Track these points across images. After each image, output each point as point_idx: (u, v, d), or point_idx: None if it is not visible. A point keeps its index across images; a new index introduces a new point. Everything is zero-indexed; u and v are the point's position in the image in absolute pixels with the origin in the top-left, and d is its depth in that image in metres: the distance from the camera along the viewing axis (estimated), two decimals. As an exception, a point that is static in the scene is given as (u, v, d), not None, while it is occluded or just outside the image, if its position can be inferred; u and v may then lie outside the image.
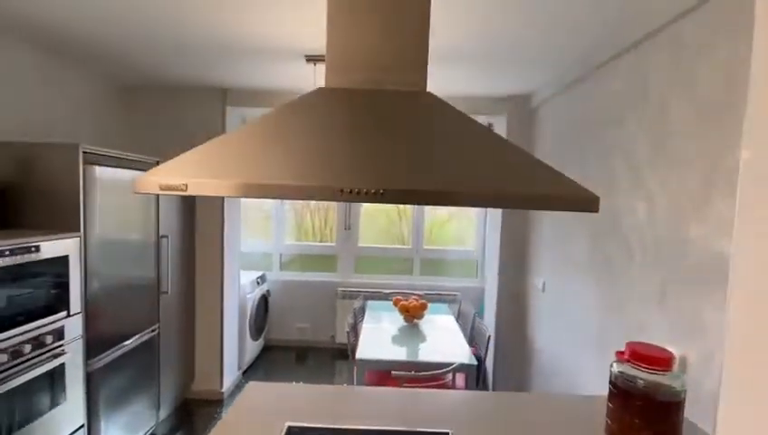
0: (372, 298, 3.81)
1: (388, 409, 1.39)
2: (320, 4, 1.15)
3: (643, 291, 1.65)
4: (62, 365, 1.83)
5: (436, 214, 4.54)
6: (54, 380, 1.80)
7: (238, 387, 3.45)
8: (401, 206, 4.55)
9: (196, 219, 3.16)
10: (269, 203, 4.49)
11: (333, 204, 4.47)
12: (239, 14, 1.76)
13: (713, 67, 1.31)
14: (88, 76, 2.71)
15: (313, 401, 1.46)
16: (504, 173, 0.85)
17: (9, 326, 1.58)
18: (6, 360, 1.56)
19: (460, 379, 2.49)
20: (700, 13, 1.38)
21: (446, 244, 4.56)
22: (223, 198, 3.15)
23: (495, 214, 3.43)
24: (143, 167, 2.46)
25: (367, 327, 2.87)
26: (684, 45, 1.46)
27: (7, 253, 1.56)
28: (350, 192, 0.74)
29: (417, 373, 2.18)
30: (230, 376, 3.37)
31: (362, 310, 3.28)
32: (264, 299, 4.08)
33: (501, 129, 3.18)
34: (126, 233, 2.35)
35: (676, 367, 1.26)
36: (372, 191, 0.74)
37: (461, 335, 2.78)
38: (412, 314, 2.94)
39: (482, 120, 2.77)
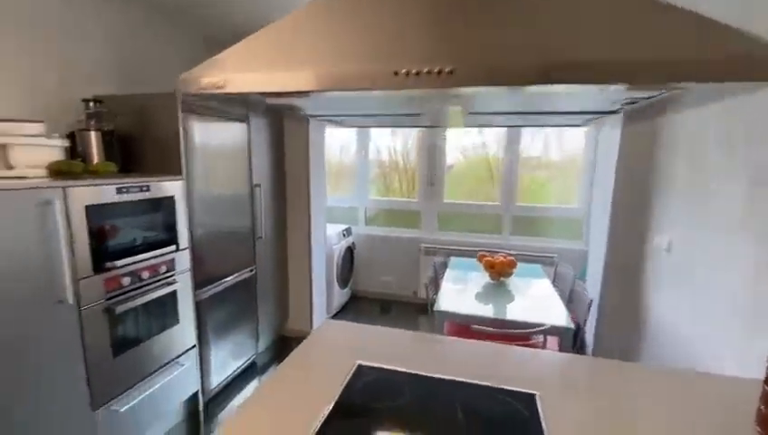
0: (456, 256, 3.66)
1: (467, 362, 1.28)
2: None
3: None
4: (174, 292, 2.08)
5: (534, 174, 4.10)
6: (168, 305, 2.05)
7: (326, 330, 3.66)
8: (491, 155, 4.20)
9: (286, 168, 3.29)
10: (352, 156, 4.51)
11: (419, 158, 4.31)
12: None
13: None
14: (189, 32, 2.89)
15: (389, 344, 1.42)
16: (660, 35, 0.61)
17: (131, 253, 1.81)
18: (129, 283, 1.80)
19: (553, 342, 2.25)
20: None
21: (543, 202, 4.13)
22: (306, 139, 3.21)
23: (610, 156, 2.94)
24: (235, 118, 2.60)
25: (448, 282, 2.75)
26: None
27: (124, 190, 1.76)
28: (407, 74, 0.59)
29: (502, 330, 2.01)
30: (320, 318, 3.59)
31: (444, 265, 3.15)
32: (350, 251, 4.21)
33: None
34: (223, 179, 2.52)
35: None
36: (436, 70, 0.58)
37: (557, 298, 2.49)
38: (498, 271, 2.72)
39: None
